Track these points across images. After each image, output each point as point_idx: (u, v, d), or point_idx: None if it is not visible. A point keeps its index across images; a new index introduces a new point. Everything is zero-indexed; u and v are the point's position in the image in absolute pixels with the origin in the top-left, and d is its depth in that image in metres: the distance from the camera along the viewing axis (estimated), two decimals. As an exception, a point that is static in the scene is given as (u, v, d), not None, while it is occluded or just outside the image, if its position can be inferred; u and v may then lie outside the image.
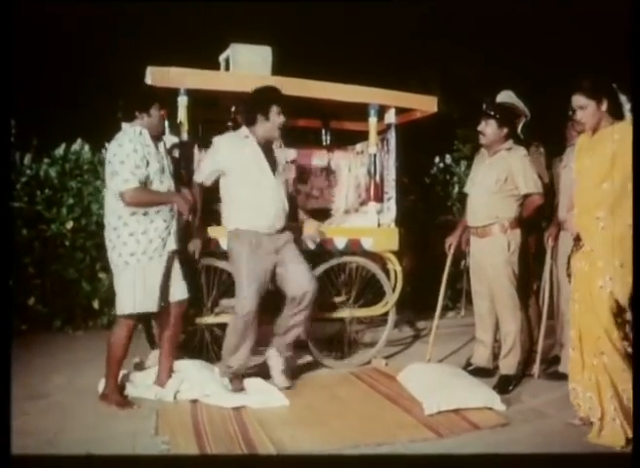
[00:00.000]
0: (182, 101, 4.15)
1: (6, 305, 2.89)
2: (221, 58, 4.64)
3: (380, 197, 4.76)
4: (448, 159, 6.91)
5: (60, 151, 5.81)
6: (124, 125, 3.74)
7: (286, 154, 4.25)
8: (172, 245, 3.75)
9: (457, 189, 6.73)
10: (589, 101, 3.23)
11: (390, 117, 4.76)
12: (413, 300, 5.54)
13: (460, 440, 3.28)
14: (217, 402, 3.74)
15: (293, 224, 4.24)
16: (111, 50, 6.61)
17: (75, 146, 5.87)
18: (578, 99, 3.27)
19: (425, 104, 4.83)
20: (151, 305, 3.69)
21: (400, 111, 4.82)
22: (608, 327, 3.13)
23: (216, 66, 4.65)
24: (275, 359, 4.13)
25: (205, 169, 4.07)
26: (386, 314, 4.73)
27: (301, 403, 3.78)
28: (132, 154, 3.56)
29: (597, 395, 3.19)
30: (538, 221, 4.51)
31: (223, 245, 4.14)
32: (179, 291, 3.86)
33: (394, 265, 4.72)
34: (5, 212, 3.12)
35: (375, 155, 4.71)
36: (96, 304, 5.74)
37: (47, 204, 5.66)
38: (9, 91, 2.94)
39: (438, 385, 3.81)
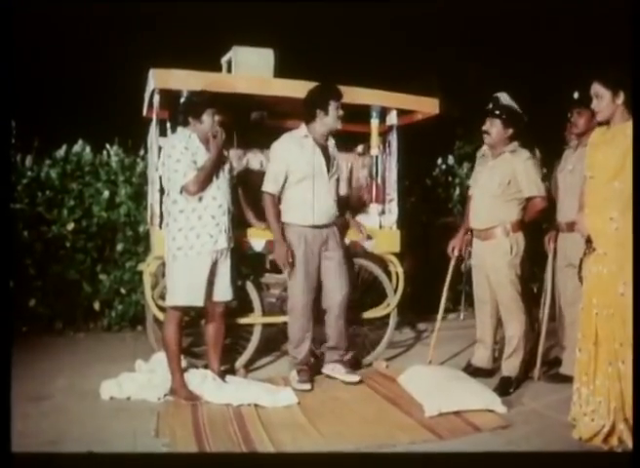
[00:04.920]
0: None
1: (7, 307, 2.89)
2: (224, 60, 4.65)
3: (381, 199, 4.76)
4: (450, 160, 6.90)
5: (61, 153, 5.80)
6: (178, 128, 3.96)
7: (334, 151, 4.35)
8: (223, 243, 3.86)
9: (458, 191, 6.71)
10: (606, 91, 3.13)
11: (392, 119, 4.76)
12: (414, 302, 5.53)
13: (460, 442, 3.27)
14: (228, 400, 3.75)
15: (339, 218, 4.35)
16: (113, 52, 6.60)
17: (76, 148, 5.86)
18: (594, 87, 3.18)
19: (427, 106, 4.83)
20: (197, 300, 3.82)
21: (402, 113, 4.82)
22: (630, 334, 3.02)
23: (218, 69, 4.65)
24: (331, 367, 4.29)
25: (276, 177, 4.12)
26: (388, 316, 4.73)
27: (302, 404, 3.77)
28: (185, 152, 3.76)
29: (607, 401, 3.13)
30: (539, 224, 4.51)
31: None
32: (222, 291, 3.95)
33: (396, 267, 4.72)
34: (6, 213, 3.13)
35: (376, 157, 4.71)
36: (97, 306, 5.74)
37: (48, 205, 5.65)
38: (10, 92, 2.93)
39: (439, 387, 3.81)
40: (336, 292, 4.23)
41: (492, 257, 4.15)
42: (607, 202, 3.12)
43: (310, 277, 4.15)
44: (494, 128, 4.14)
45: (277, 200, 4.17)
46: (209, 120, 3.82)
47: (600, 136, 3.27)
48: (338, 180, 4.34)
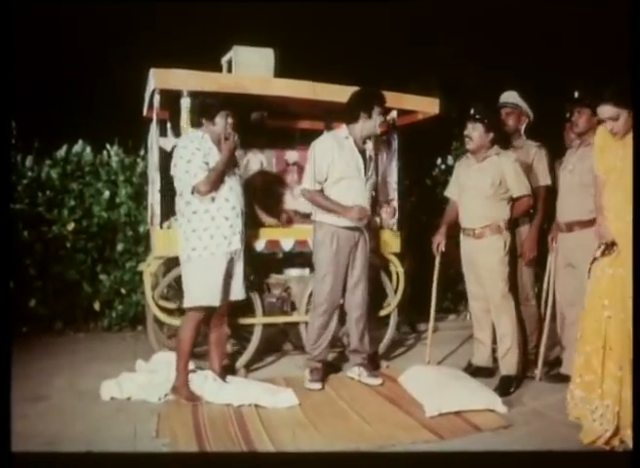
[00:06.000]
0: (185, 104, 4.15)
1: (7, 307, 2.89)
2: (224, 60, 4.64)
3: (382, 199, 4.76)
4: (450, 160, 6.89)
5: (61, 153, 5.81)
6: (190, 129, 4.06)
7: (372, 153, 4.38)
8: (236, 244, 3.88)
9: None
10: (621, 110, 3.03)
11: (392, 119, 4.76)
12: (414, 302, 5.53)
13: (461, 442, 3.27)
14: (229, 400, 3.75)
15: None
16: (114, 52, 6.61)
17: (77, 148, 5.86)
18: (607, 111, 3.06)
19: (427, 106, 4.82)
20: (214, 300, 3.83)
21: (402, 113, 4.82)
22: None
23: (218, 69, 4.65)
24: (357, 371, 4.30)
25: (318, 175, 4.11)
26: (388, 316, 4.73)
27: (303, 404, 3.77)
28: (196, 152, 3.76)
29: (613, 404, 3.08)
30: (540, 223, 4.51)
31: None
32: (236, 291, 3.98)
33: (396, 267, 4.73)
34: (6, 213, 3.13)
35: (377, 157, 4.70)
36: (97, 306, 5.74)
37: (48, 205, 5.65)
38: (10, 92, 2.93)
39: (440, 387, 3.80)
40: (357, 296, 4.24)
41: (485, 255, 4.18)
42: (628, 204, 3.02)
43: (339, 277, 4.15)
44: (475, 132, 4.17)
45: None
46: (222, 122, 3.83)
47: (609, 138, 3.19)
48: (373, 183, 4.35)
